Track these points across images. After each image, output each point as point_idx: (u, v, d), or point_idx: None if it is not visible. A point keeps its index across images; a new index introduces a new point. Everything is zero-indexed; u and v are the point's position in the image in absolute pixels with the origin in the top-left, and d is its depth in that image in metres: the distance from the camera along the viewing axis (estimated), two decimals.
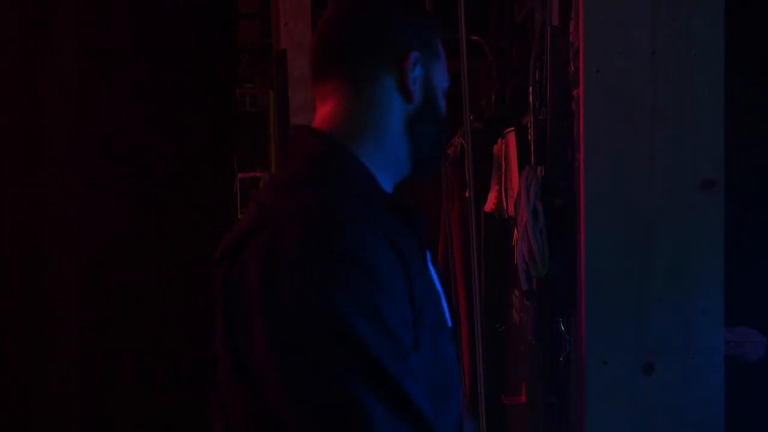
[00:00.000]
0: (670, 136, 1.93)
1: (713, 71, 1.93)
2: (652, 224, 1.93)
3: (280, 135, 2.36)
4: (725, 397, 1.93)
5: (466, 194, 3.06)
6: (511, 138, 2.70)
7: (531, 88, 2.27)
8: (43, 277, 2.82)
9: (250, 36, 3.18)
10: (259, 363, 1.15)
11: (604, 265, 1.93)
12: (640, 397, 1.93)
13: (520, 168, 2.50)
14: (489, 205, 3.05)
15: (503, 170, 2.84)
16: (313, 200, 1.18)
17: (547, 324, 2.18)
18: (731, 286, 1.94)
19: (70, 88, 2.75)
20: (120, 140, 2.78)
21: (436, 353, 1.21)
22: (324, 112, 1.31)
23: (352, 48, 1.29)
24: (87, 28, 2.75)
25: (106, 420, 2.88)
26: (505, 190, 2.83)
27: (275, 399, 1.14)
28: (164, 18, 2.75)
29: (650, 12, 1.91)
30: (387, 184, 1.31)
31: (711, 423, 1.93)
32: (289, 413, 1.13)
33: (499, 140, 2.92)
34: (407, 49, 1.28)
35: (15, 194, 2.79)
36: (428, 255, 1.35)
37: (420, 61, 1.29)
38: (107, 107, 2.77)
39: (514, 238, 2.28)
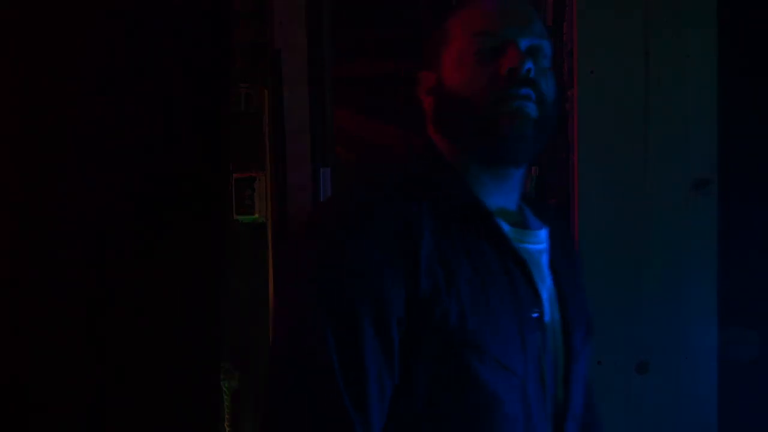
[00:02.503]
0: (664, 136, 1.93)
1: (706, 72, 1.93)
2: (645, 224, 1.93)
3: (275, 135, 2.36)
4: (719, 396, 1.93)
5: None
6: None
7: None
8: (41, 277, 2.82)
9: (245, 35, 3.18)
10: None
11: (597, 265, 1.93)
12: (634, 397, 1.93)
13: None
14: None
15: None
16: (355, 197, 1.22)
17: None
18: (725, 285, 1.94)
19: (66, 87, 2.74)
20: (114, 140, 2.77)
21: (454, 377, 1.15)
22: None
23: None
24: (82, 28, 2.74)
25: (106, 420, 2.88)
26: None
27: None
28: (158, 17, 2.74)
29: (643, 13, 1.91)
30: (490, 190, 1.26)
31: (704, 422, 1.94)
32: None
33: None
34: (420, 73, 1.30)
35: (13, 194, 2.79)
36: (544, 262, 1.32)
37: (427, 73, 1.28)
38: (102, 107, 2.76)
39: None
